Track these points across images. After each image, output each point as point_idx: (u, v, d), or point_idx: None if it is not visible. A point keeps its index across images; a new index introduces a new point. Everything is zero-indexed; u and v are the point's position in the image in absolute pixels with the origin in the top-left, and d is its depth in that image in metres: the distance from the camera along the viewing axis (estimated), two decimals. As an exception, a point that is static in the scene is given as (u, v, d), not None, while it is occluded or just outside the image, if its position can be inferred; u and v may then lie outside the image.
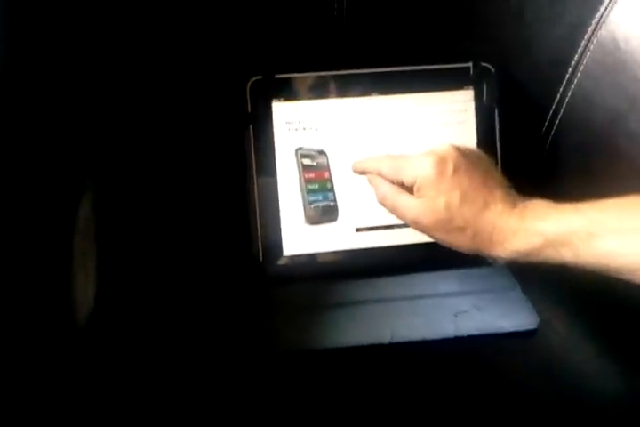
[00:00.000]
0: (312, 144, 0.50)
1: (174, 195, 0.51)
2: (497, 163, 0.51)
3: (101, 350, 0.41)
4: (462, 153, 0.39)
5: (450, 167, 0.38)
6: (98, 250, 0.43)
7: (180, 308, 0.47)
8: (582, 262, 0.36)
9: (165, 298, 0.48)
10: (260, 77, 0.49)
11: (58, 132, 0.38)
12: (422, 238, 0.50)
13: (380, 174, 0.42)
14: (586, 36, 0.47)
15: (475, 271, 0.51)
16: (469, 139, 0.51)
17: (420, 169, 0.39)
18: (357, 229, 0.50)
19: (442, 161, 0.38)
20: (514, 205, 0.38)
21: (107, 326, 0.43)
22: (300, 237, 0.50)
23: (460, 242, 0.39)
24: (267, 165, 0.50)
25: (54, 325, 0.37)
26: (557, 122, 0.51)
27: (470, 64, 0.50)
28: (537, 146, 0.52)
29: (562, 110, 0.50)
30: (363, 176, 0.48)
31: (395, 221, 0.49)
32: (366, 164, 0.44)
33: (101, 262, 0.43)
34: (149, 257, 0.49)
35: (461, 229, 0.38)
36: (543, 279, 0.50)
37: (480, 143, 0.51)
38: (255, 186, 0.50)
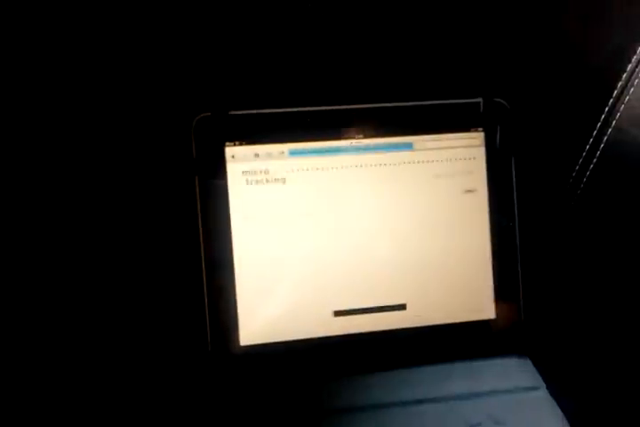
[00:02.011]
0: (278, 201, 0.38)
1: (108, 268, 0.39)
2: (514, 223, 0.40)
3: None
4: None
5: None
6: None
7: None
8: None
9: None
10: (208, 114, 0.38)
11: None
12: (420, 321, 0.39)
13: None
14: (629, 67, 0.37)
15: (487, 364, 0.40)
16: (479, 194, 0.40)
17: None
18: (336, 313, 0.39)
19: None
20: None
21: None
22: (262, 321, 0.38)
23: None
24: (218, 228, 0.38)
25: None
26: (588, 173, 0.40)
27: (480, 99, 0.40)
28: (562, 202, 0.41)
29: (595, 158, 0.39)
30: (341, 244, 0.36)
31: (386, 301, 0.39)
32: None
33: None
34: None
35: None
36: (576, 374, 0.39)
37: (492, 199, 0.40)
38: (203, 255, 0.38)
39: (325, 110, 0.38)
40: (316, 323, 0.38)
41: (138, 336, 0.39)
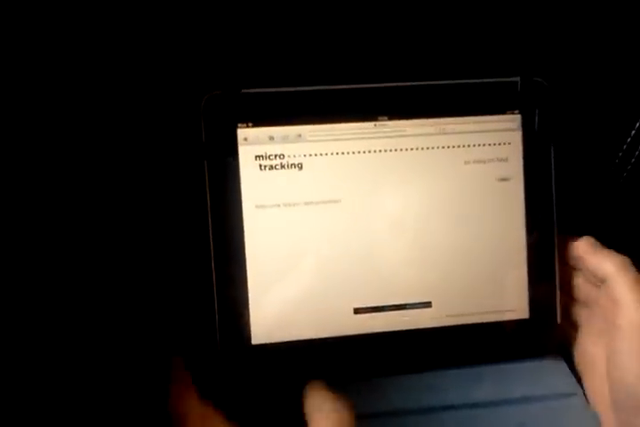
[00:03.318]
0: (294, 188, 0.35)
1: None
2: (552, 215, 0.37)
3: None
4: None
5: None
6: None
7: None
8: None
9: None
10: (219, 93, 0.34)
11: None
12: (447, 321, 0.36)
13: None
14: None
15: (519, 367, 0.37)
16: (514, 183, 0.36)
17: None
18: (356, 311, 0.36)
19: None
20: None
21: None
22: (275, 318, 0.35)
23: None
24: (229, 217, 0.35)
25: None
26: (633, 160, 0.37)
27: (518, 79, 0.36)
28: (604, 193, 0.38)
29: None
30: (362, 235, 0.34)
31: (410, 298, 0.36)
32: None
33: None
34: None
35: None
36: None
37: (528, 189, 0.36)
38: (212, 247, 0.35)
39: (347, 89, 0.35)
40: (333, 321, 0.35)
41: (141, 334, 0.36)
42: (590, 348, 0.35)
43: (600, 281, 0.34)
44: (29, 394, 0.31)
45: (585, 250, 0.35)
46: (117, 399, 0.33)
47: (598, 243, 0.35)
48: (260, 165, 0.35)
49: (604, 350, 0.34)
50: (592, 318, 0.36)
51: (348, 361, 0.36)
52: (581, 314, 0.37)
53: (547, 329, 0.37)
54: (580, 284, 0.36)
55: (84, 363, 0.33)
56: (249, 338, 0.35)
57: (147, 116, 0.35)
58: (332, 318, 0.35)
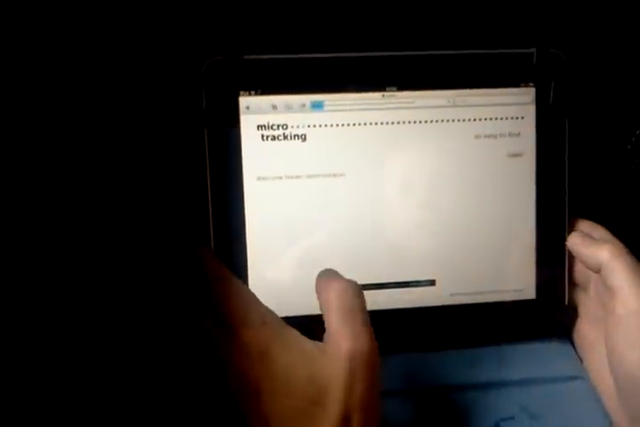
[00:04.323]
0: (297, 160, 0.34)
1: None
2: (564, 193, 0.35)
3: None
4: None
5: None
6: None
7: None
8: None
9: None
10: (220, 58, 0.33)
11: None
12: (450, 300, 0.35)
13: None
14: None
15: (523, 349, 0.36)
16: (525, 159, 0.35)
17: None
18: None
19: None
20: None
21: None
22: (274, 293, 0.34)
23: None
24: (229, 189, 0.34)
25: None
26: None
27: (533, 50, 0.34)
28: (619, 171, 0.36)
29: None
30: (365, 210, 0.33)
31: (413, 276, 0.35)
32: None
33: None
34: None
35: None
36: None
37: (541, 165, 0.35)
38: (211, 219, 0.34)
39: (354, 57, 0.33)
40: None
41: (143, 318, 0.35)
42: (589, 332, 0.35)
43: (595, 270, 0.33)
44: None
45: (576, 242, 0.34)
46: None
47: (588, 235, 0.34)
48: (263, 136, 0.33)
49: (603, 335, 0.33)
50: (590, 302, 0.35)
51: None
52: (580, 297, 0.36)
53: (553, 311, 0.36)
54: (579, 267, 0.35)
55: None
56: (247, 313, 0.34)
57: (145, 82, 0.34)
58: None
